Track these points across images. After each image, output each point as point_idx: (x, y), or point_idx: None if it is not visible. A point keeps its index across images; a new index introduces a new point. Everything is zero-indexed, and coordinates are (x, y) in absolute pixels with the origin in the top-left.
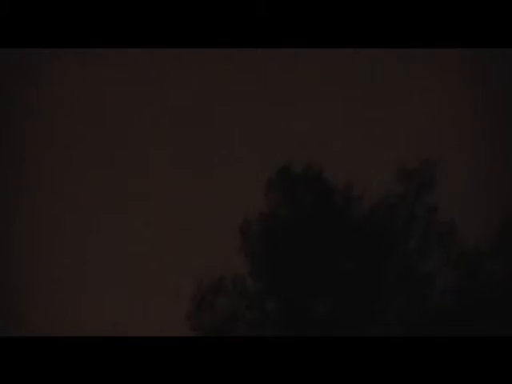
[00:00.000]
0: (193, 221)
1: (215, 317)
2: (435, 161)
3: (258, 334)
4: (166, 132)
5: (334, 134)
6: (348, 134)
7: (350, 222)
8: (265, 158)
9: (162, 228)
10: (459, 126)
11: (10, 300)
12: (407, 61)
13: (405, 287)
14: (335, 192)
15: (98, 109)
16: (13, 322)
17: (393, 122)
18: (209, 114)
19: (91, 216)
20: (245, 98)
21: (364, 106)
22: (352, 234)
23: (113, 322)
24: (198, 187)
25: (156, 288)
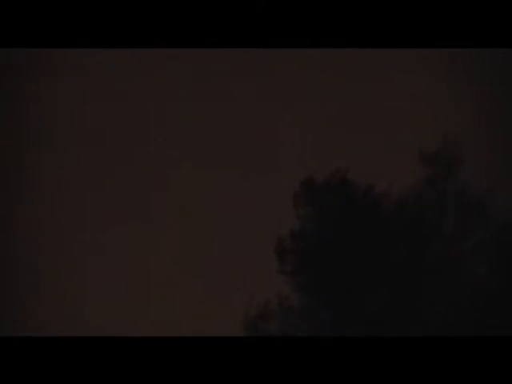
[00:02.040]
0: (228, 247)
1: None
2: (458, 138)
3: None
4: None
5: (349, 132)
6: (362, 130)
7: (382, 220)
8: (286, 172)
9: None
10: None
11: (10, 300)
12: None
13: (448, 275)
14: (361, 193)
15: (98, 109)
16: (13, 322)
17: (408, 107)
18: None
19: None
20: (248, 101)
21: (373, 100)
22: (386, 231)
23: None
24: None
25: (204, 318)
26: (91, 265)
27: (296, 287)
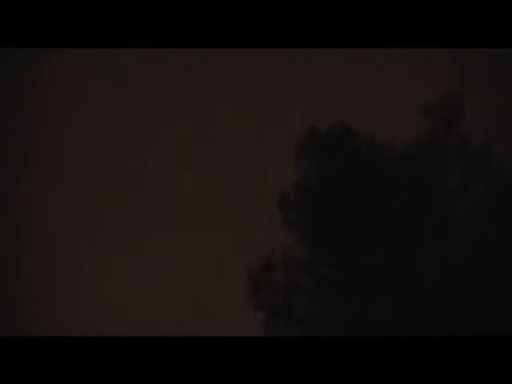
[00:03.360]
0: (230, 200)
1: (274, 291)
2: (460, 92)
3: (317, 301)
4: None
5: (351, 84)
6: (363, 81)
7: (384, 172)
8: (289, 125)
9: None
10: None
11: (10, 300)
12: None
13: (448, 227)
14: (364, 146)
15: (98, 109)
16: (13, 322)
17: (408, 60)
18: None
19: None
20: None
21: (376, 52)
22: (388, 183)
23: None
24: (226, 169)
25: (211, 275)
26: (90, 264)
27: (299, 239)
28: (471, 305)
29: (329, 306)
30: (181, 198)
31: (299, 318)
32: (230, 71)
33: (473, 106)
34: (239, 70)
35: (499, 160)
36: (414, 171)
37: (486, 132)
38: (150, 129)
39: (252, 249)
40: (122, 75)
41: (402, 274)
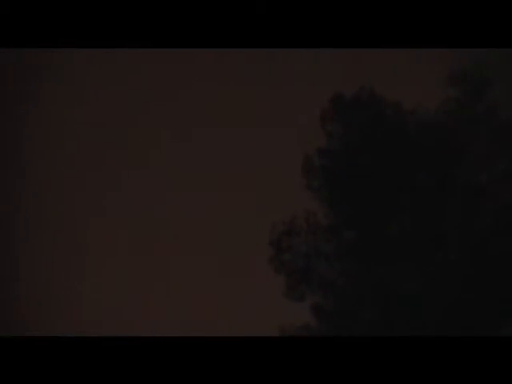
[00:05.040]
0: (254, 165)
1: (295, 256)
2: (489, 59)
3: (338, 267)
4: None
5: (377, 50)
6: (391, 48)
7: (410, 140)
8: (314, 90)
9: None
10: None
11: (10, 300)
12: None
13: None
14: (389, 112)
15: (98, 108)
16: (13, 322)
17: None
18: None
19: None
20: None
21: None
22: (412, 151)
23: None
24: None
25: (233, 239)
26: (90, 265)
27: (322, 204)
28: (494, 276)
29: (350, 272)
30: (201, 162)
31: (320, 282)
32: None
33: (502, 74)
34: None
35: None
36: (441, 138)
37: None
38: (150, 129)
39: (275, 213)
40: (122, 75)
41: (425, 241)
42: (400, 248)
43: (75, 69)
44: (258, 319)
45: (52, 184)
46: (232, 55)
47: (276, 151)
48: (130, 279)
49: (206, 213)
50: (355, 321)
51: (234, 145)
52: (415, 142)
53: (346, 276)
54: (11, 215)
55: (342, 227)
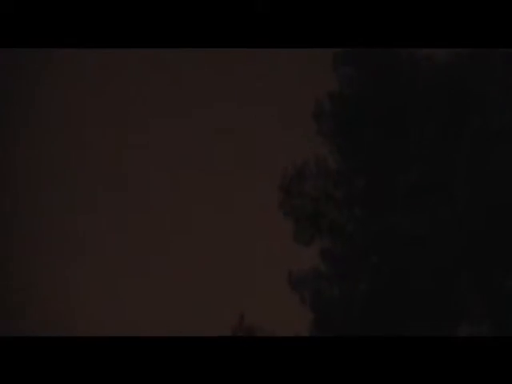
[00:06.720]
0: (264, 110)
1: (305, 200)
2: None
3: (347, 213)
4: None
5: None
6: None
7: (423, 86)
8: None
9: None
10: None
11: (10, 300)
12: None
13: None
14: (403, 56)
15: (98, 108)
16: (13, 322)
17: None
18: None
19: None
20: None
21: None
22: (425, 97)
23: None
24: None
25: (242, 183)
26: (89, 265)
27: (332, 150)
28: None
29: (358, 218)
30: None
31: (328, 227)
32: None
33: None
34: None
35: None
36: (454, 85)
37: None
38: (150, 129)
39: (285, 158)
40: (121, 75)
41: (435, 192)
42: (409, 197)
43: (75, 69)
44: (267, 263)
45: (52, 184)
46: None
47: (287, 96)
48: (130, 274)
49: (218, 159)
50: (363, 265)
51: (244, 92)
52: (428, 87)
53: (354, 221)
54: (9, 215)
55: (351, 173)
